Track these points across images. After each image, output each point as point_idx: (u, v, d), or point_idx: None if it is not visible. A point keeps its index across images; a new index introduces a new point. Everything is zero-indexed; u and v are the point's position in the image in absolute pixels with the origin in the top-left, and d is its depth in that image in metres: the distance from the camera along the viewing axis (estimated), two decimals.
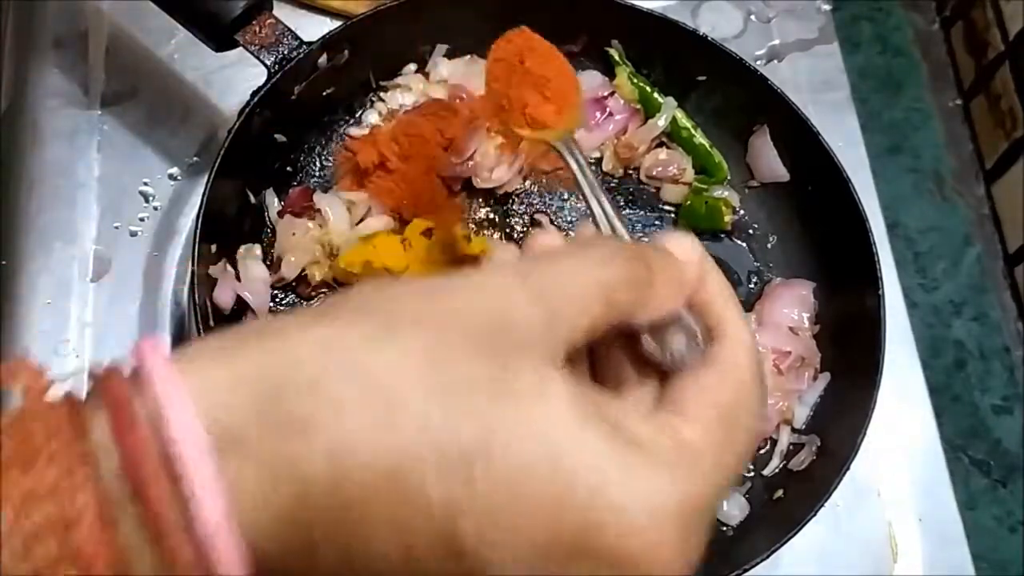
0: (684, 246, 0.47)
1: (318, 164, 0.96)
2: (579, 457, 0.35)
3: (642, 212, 0.97)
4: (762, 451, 0.89)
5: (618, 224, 0.57)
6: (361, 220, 0.91)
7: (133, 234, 0.96)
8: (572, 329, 0.39)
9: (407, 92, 0.98)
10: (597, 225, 0.57)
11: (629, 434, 0.38)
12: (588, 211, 0.59)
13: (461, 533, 0.34)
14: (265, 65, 0.86)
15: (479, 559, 0.34)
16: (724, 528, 0.85)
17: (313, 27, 0.98)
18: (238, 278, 0.87)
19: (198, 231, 0.81)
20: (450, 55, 0.99)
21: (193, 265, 0.82)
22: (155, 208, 0.97)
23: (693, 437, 0.39)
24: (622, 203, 0.98)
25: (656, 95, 0.98)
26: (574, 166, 0.64)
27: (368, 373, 0.35)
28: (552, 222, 0.96)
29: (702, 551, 0.37)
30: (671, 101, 0.98)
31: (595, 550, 0.34)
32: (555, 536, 0.34)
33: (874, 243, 0.87)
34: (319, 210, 0.91)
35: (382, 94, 0.99)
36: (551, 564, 0.35)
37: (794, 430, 0.89)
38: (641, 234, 0.96)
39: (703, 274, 0.47)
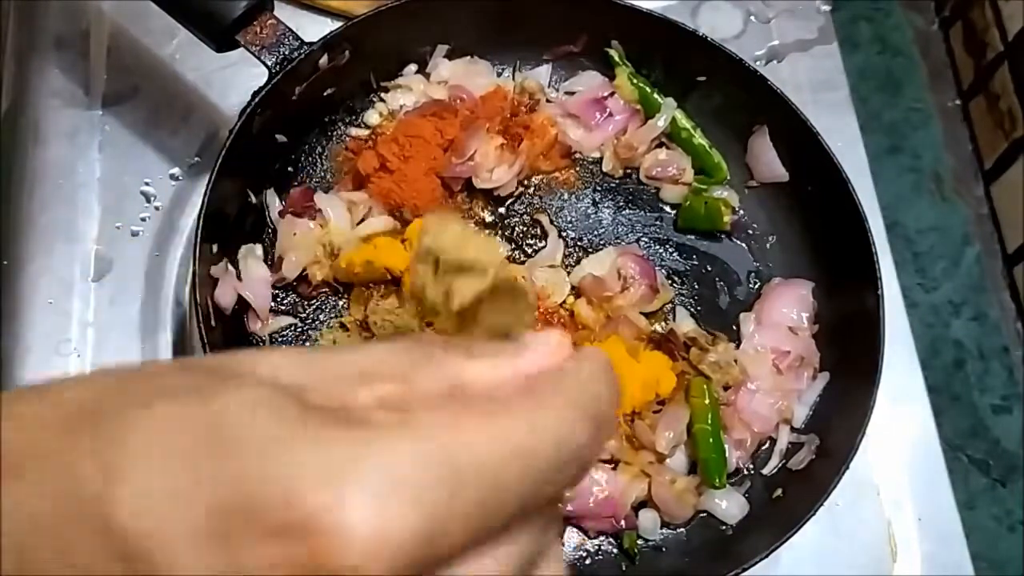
0: (541, 335, 0.41)
1: (319, 164, 0.96)
2: (250, 428, 0.32)
3: (642, 212, 0.98)
4: (762, 450, 0.89)
5: None
6: (362, 220, 0.91)
7: (134, 234, 0.96)
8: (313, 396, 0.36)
9: (408, 92, 0.98)
10: None
11: (336, 414, 0.34)
12: None
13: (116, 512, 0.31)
14: (266, 65, 0.86)
15: (142, 550, 0.31)
16: (724, 527, 0.86)
17: (314, 27, 0.98)
18: (239, 278, 0.87)
19: (199, 231, 0.81)
20: (450, 55, 1.00)
21: (194, 265, 0.82)
22: (156, 208, 0.98)
23: (419, 410, 0.35)
24: (622, 203, 0.98)
25: (656, 95, 0.98)
26: None
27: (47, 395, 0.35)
28: (552, 222, 0.96)
29: (426, 524, 0.31)
30: (671, 101, 0.98)
31: (263, 519, 0.30)
32: (220, 508, 0.30)
33: (873, 243, 0.87)
34: (320, 210, 0.91)
35: (383, 94, 0.99)
36: (218, 545, 0.30)
37: (793, 429, 0.89)
38: (641, 235, 0.97)
39: (569, 365, 0.40)
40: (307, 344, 0.89)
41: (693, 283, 0.95)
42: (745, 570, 0.77)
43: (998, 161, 1.12)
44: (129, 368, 0.36)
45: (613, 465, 0.85)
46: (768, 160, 0.96)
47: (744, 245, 0.97)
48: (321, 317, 0.90)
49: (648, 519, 0.85)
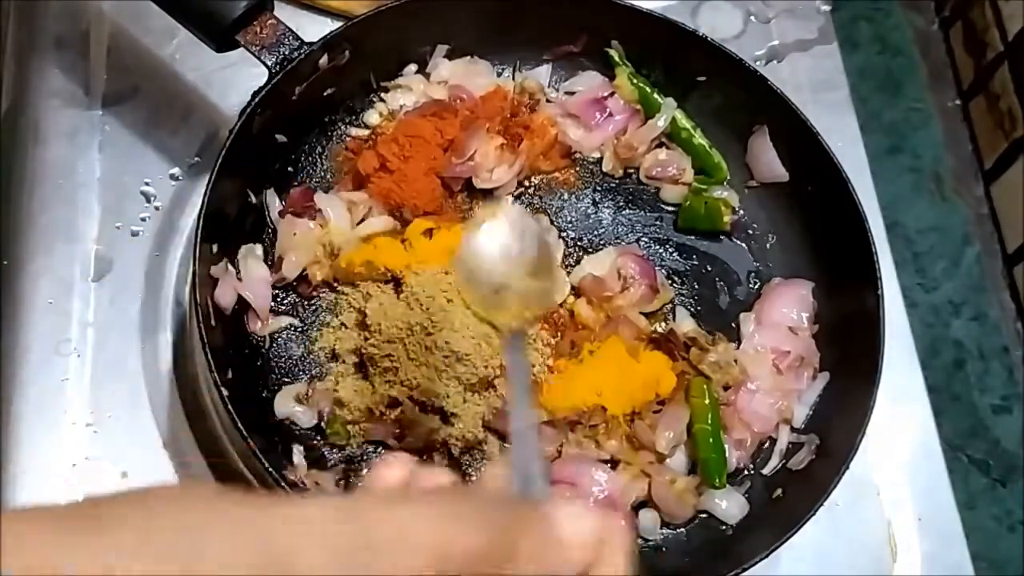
0: (576, 526, 0.42)
1: (319, 164, 0.96)
2: None
3: (642, 212, 0.98)
4: (762, 450, 0.89)
5: (535, 472, 0.50)
6: (362, 220, 0.91)
7: (134, 234, 0.96)
8: None
9: (408, 92, 0.98)
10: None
11: None
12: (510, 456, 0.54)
13: None
14: (266, 65, 0.86)
15: None
16: (724, 527, 0.86)
17: (314, 27, 0.98)
18: (239, 278, 0.87)
19: (199, 231, 0.81)
20: (450, 55, 1.00)
21: (194, 265, 0.82)
22: (156, 208, 0.98)
23: None
24: (622, 203, 0.98)
25: (656, 95, 0.98)
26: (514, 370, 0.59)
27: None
28: (552, 222, 0.96)
29: None
30: (671, 101, 0.98)
31: None
32: None
33: (873, 243, 0.87)
34: (320, 210, 0.91)
35: (383, 94, 0.99)
36: None
37: (793, 429, 0.89)
38: (641, 235, 0.97)
39: (599, 560, 0.42)
40: (306, 344, 0.89)
41: (693, 283, 0.95)
42: (745, 570, 0.77)
43: (998, 161, 1.12)
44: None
45: (613, 465, 0.85)
46: (768, 160, 0.96)
47: (744, 245, 0.97)
48: (321, 317, 0.90)
49: (648, 519, 0.85)
